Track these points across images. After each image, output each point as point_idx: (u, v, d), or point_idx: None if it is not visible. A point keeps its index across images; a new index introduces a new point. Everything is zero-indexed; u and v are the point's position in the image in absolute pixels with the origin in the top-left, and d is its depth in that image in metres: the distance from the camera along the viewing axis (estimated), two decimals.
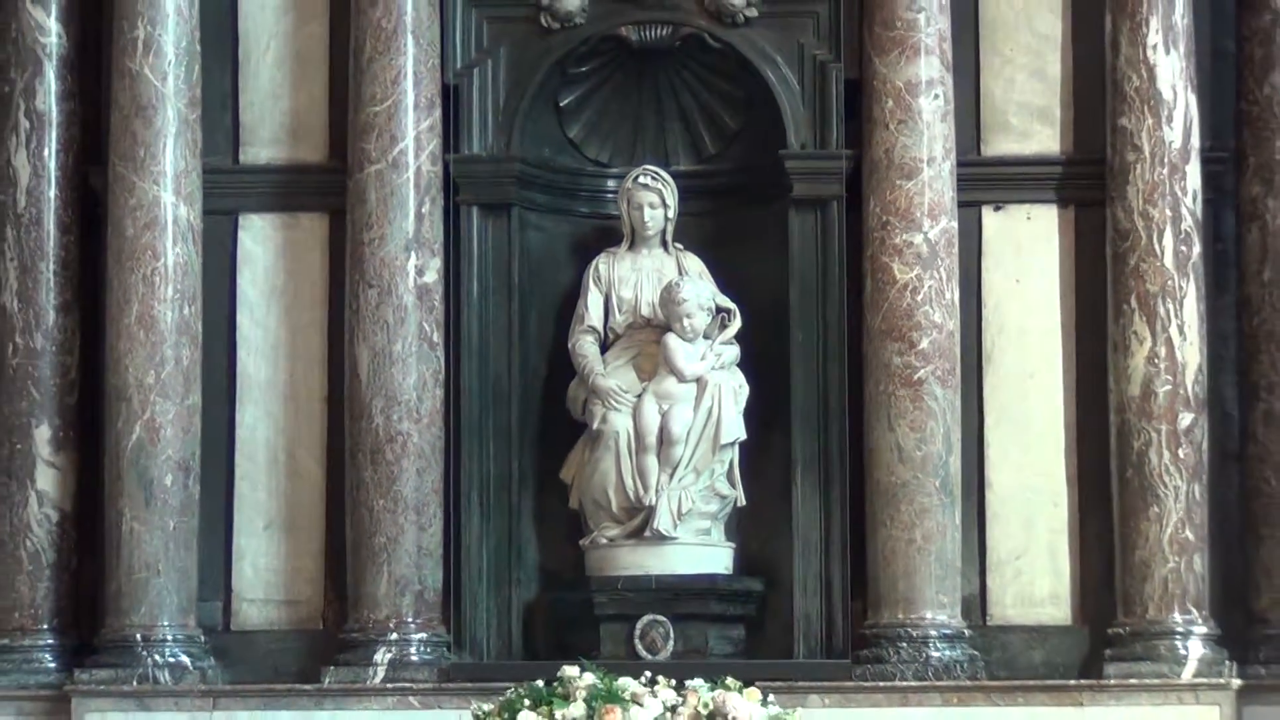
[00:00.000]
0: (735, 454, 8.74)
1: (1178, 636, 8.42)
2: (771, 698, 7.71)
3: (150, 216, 8.63)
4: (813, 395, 8.71)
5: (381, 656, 8.50)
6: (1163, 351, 8.49)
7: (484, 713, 7.72)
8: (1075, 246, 8.84)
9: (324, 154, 8.94)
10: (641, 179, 8.84)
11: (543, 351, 8.99)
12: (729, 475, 8.75)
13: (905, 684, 8.35)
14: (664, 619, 8.55)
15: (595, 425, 8.73)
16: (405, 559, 8.56)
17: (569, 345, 8.85)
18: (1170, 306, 8.51)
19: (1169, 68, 8.58)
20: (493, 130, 8.85)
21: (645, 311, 8.81)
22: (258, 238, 8.94)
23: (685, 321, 8.68)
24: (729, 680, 7.70)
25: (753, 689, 7.68)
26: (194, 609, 8.66)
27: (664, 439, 8.66)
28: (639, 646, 8.51)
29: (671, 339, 8.69)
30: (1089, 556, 8.71)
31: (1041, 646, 8.69)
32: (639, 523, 8.67)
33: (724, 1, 8.76)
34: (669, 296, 8.72)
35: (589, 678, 7.67)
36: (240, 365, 8.89)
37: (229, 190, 8.90)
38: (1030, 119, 8.90)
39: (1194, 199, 8.59)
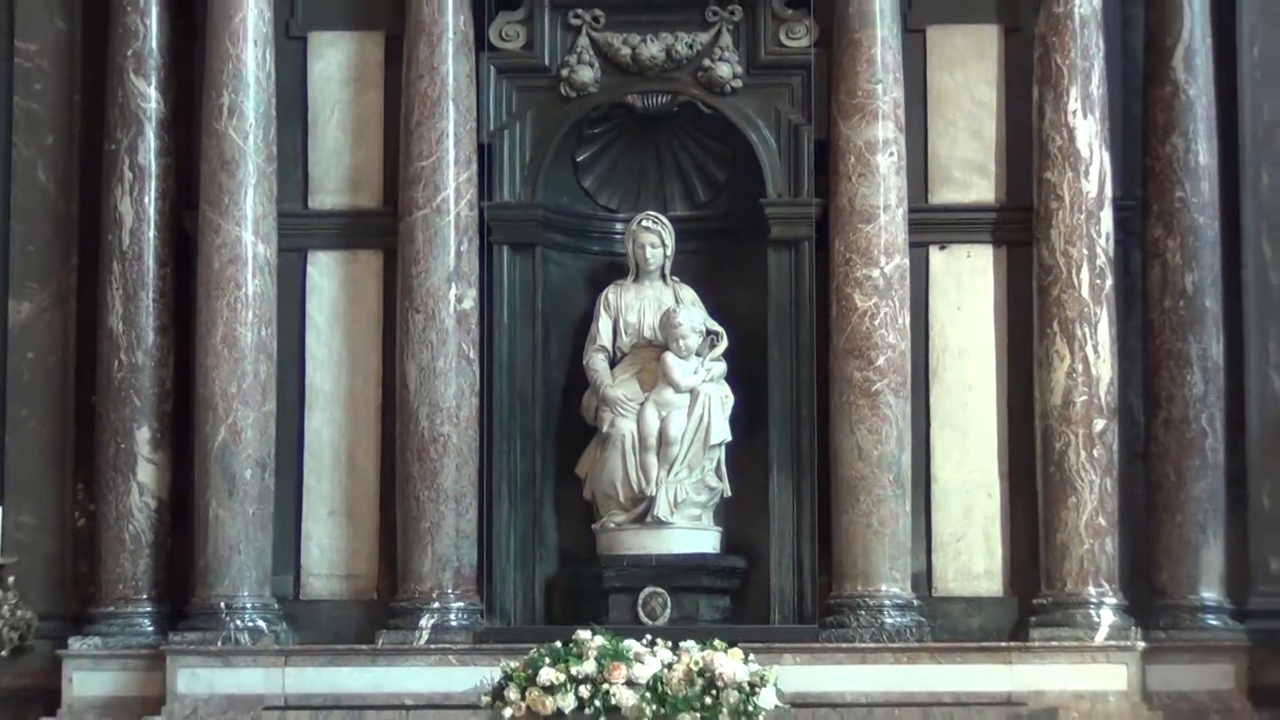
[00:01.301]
0: (722, 453, 8.73)
1: (1092, 606, 8.40)
2: (751, 657, 7.66)
3: (233, 253, 8.60)
4: (787, 404, 8.70)
5: (425, 622, 8.48)
6: (1080, 368, 8.46)
7: (512, 669, 7.68)
8: (1007, 280, 8.80)
9: (379, 201, 8.89)
10: (644, 222, 8.86)
11: (561, 367, 8.97)
12: (717, 471, 8.74)
13: (864, 645, 8.33)
14: (662, 591, 8.55)
15: (605, 428, 8.73)
16: (445, 540, 8.54)
17: (583, 361, 8.85)
18: (1086, 330, 8.47)
19: (1086, 130, 8.55)
20: (520, 181, 8.83)
21: (647, 334, 8.80)
22: (323, 271, 8.91)
23: (681, 342, 8.68)
24: (716, 642, 7.68)
25: (736, 649, 7.65)
26: (269, 582, 8.63)
27: (662, 440, 8.66)
28: (641, 614, 8.50)
29: (669, 357, 8.69)
30: (1018, 539, 8.68)
31: (978, 614, 8.66)
32: (641, 510, 8.67)
33: (714, 75, 8.75)
34: (667, 321, 8.72)
35: (599, 640, 7.66)
36: (308, 378, 8.87)
37: (299, 231, 8.87)
38: (970, 173, 8.86)
39: (1107, 240, 8.56)
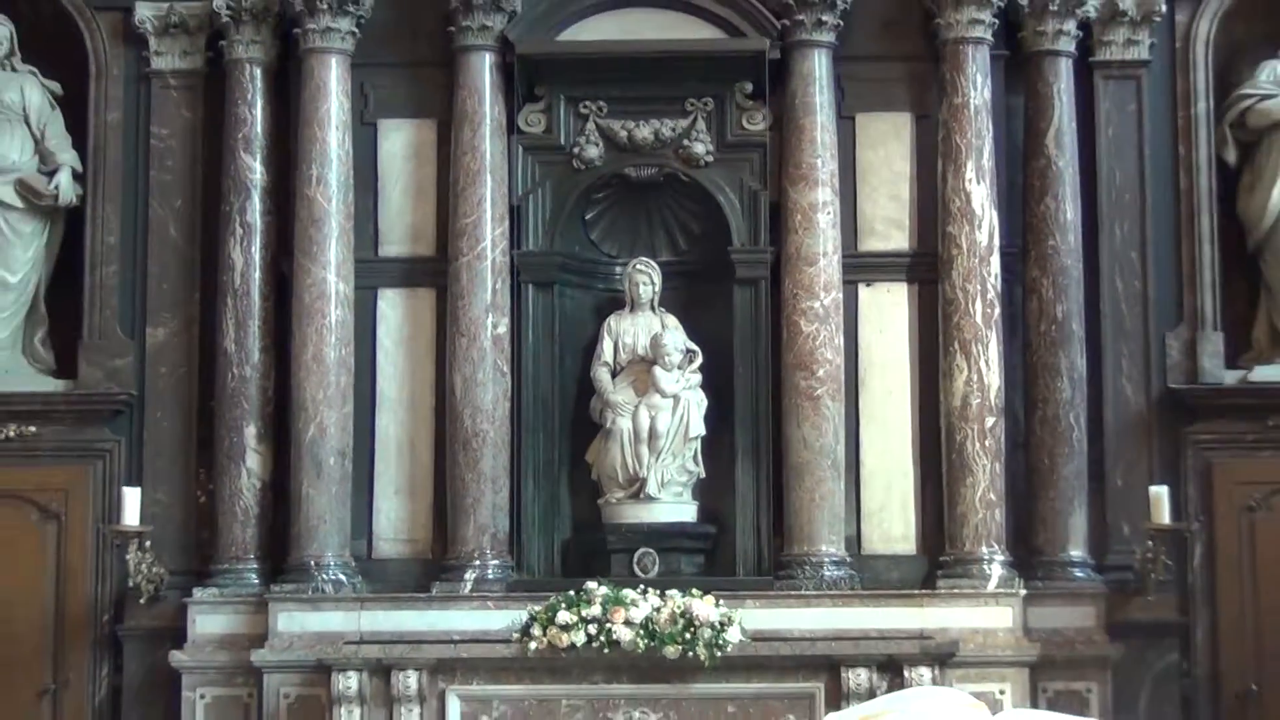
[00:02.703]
0: (698, 444, 8.77)
1: (985, 562, 8.44)
2: (721, 602, 8.00)
3: (320, 291, 8.66)
4: (748, 406, 8.75)
5: (469, 575, 8.51)
6: (975, 378, 8.51)
7: (536, 612, 8.02)
8: (918, 310, 8.80)
9: (433, 250, 8.89)
10: (638, 265, 8.89)
11: (573, 378, 8.98)
12: (694, 458, 8.77)
13: (808, 593, 8.38)
14: (652, 551, 8.57)
15: (607, 425, 8.78)
16: (484, 512, 8.58)
17: (591, 374, 8.88)
18: (979, 349, 8.53)
19: (979, 194, 8.60)
20: (542, 234, 8.86)
21: (640, 352, 8.81)
22: (390, 304, 8.91)
23: (666, 359, 8.73)
24: (694, 590, 8.02)
25: (709, 596, 8.00)
26: (348, 545, 8.66)
27: (652, 434, 8.68)
28: (636, 569, 8.51)
29: (657, 369, 8.73)
30: (927, 510, 8.70)
31: (897, 569, 8.68)
32: (636, 489, 8.68)
33: (691, 152, 8.78)
34: (656, 342, 8.76)
35: (603, 589, 8.03)
36: (378, 387, 8.86)
37: (371, 273, 8.89)
38: (889, 227, 8.87)
39: (995, 279, 8.61)
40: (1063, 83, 8.74)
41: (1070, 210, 8.70)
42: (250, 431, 8.73)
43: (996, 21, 8.72)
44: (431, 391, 8.83)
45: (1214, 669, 8.71)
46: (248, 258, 8.79)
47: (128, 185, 9.07)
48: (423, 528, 8.80)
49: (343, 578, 8.57)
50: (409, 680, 8.00)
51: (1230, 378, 8.82)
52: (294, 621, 8.41)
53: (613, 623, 7.86)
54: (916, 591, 8.46)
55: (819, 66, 8.69)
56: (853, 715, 3.94)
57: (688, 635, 7.80)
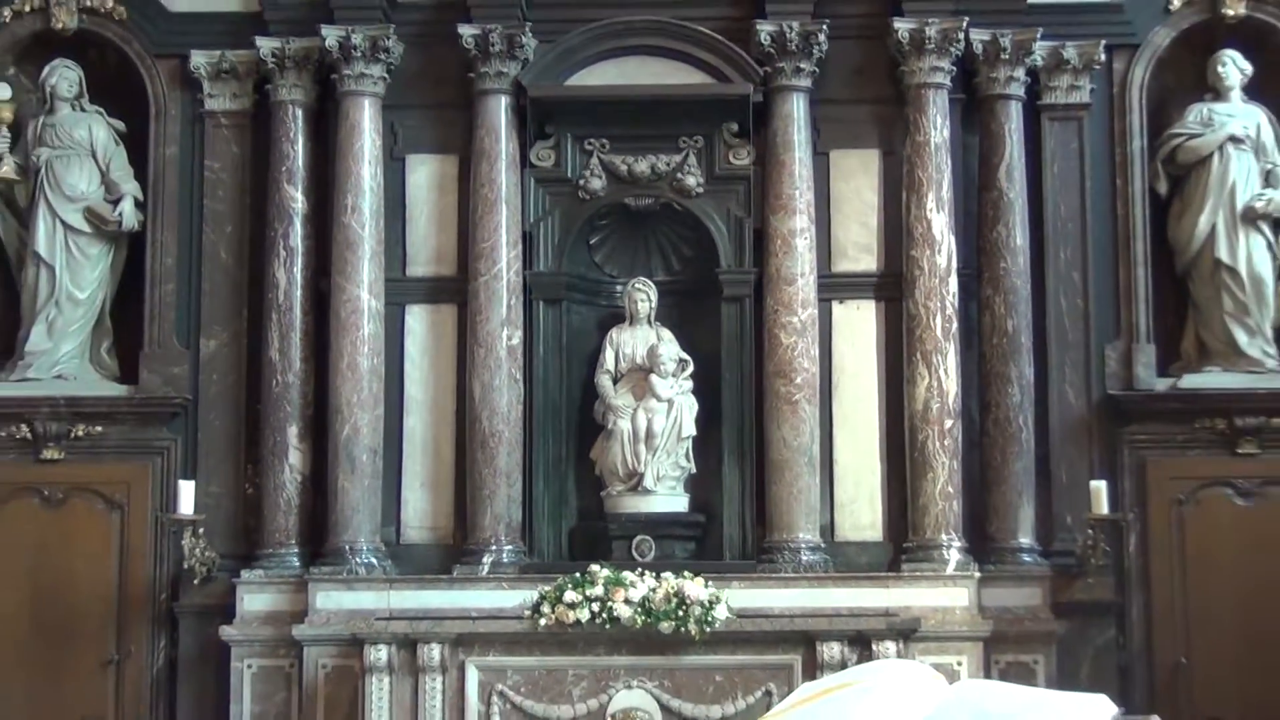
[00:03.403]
0: (690, 443, 8.78)
1: (944, 548, 8.45)
2: (710, 583, 7.99)
3: (354, 307, 8.69)
4: (734, 409, 8.76)
5: (486, 559, 8.53)
6: (935, 384, 8.53)
7: (545, 592, 8.01)
8: (885, 324, 8.79)
9: (454, 270, 8.89)
10: (637, 284, 8.91)
11: (579, 384, 8.98)
12: (686, 455, 8.78)
13: (787, 575, 8.40)
14: (648, 538, 8.57)
15: (609, 426, 8.79)
16: (500, 503, 8.60)
17: (595, 381, 8.90)
18: (939, 359, 8.56)
19: (939, 222, 8.63)
20: (552, 257, 8.88)
21: (639, 361, 8.82)
22: (417, 319, 8.92)
23: (661, 367, 8.75)
24: (686, 573, 8.02)
25: (699, 578, 7.99)
26: (379, 532, 8.67)
27: (649, 434, 8.70)
28: (634, 554, 8.50)
29: (654, 377, 8.75)
30: (893, 502, 8.70)
31: (865, 554, 8.67)
32: (634, 482, 8.70)
33: (684, 184, 8.80)
34: (652, 352, 8.79)
35: (605, 572, 8.02)
36: (406, 391, 8.86)
37: (400, 291, 8.89)
38: (859, 251, 8.87)
39: (954, 298, 8.63)
40: (1013, 123, 8.76)
41: (1020, 236, 8.71)
42: (292, 431, 8.75)
43: (954, 69, 8.75)
44: (453, 396, 8.84)
45: (1147, 644, 8.71)
46: (290, 277, 8.81)
47: (184, 213, 9.08)
48: (445, 517, 8.79)
49: (374, 561, 8.57)
50: (433, 652, 8.01)
51: (1161, 385, 8.82)
52: (330, 600, 8.41)
53: (613, 601, 7.87)
54: (883, 574, 8.45)
55: (797, 109, 8.73)
56: (826, 684, 3.94)
57: (680, 613, 7.80)
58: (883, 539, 8.67)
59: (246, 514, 8.90)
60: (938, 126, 8.65)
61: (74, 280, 9.05)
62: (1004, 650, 8.30)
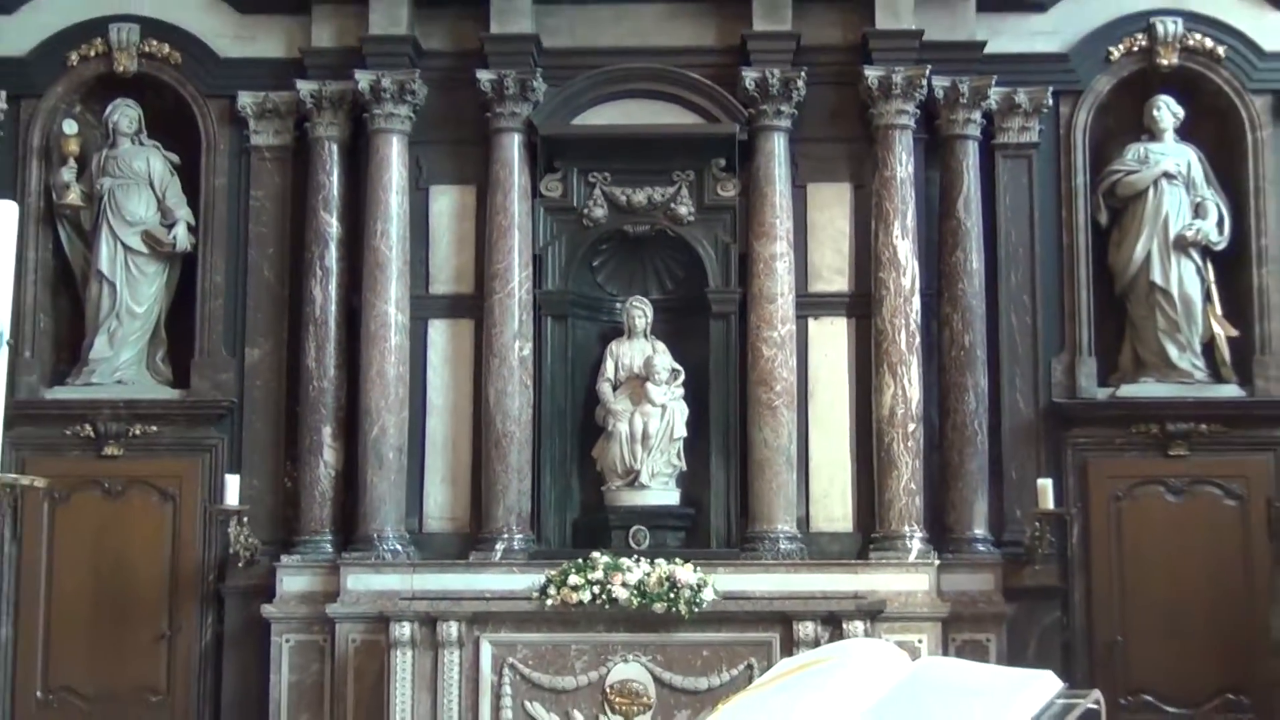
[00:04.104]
0: (681, 444, 8.79)
1: (907, 538, 8.47)
2: (698, 569, 8.01)
3: (383, 321, 8.71)
4: (721, 414, 8.76)
5: (499, 546, 8.54)
6: (900, 392, 8.55)
7: (551, 576, 8.03)
8: (856, 339, 8.80)
9: (472, 289, 8.89)
10: (634, 302, 8.93)
11: (583, 391, 8.97)
12: (678, 454, 8.78)
13: (767, 562, 8.40)
14: (644, 528, 8.58)
15: (609, 428, 8.79)
16: (512, 497, 8.62)
17: (596, 388, 8.91)
18: (903, 369, 8.58)
19: (904, 248, 8.65)
20: (559, 277, 8.89)
21: (636, 370, 8.83)
22: (439, 332, 8.91)
23: (656, 376, 8.75)
24: (677, 559, 8.04)
25: (689, 564, 8.02)
26: (403, 521, 8.68)
27: (645, 436, 8.71)
28: (631, 543, 8.50)
29: (649, 385, 8.75)
30: (862, 497, 8.70)
31: (837, 543, 8.68)
32: (631, 479, 8.71)
33: (677, 213, 8.82)
34: (648, 363, 8.79)
35: (605, 558, 8.03)
36: (428, 397, 8.86)
37: (424, 307, 8.90)
38: (833, 273, 8.87)
39: (917, 316, 8.65)
40: (970, 160, 8.76)
41: (976, 261, 8.73)
42: (326, 431, 8.74)
43: (919, 112, 8.78)
44: (470, 401, 8.84)
45: (1088, 624, 8.71)
46: (326, 294, 8.81)
47: (231, 236, 9.07)
48: (462, 508, 8.78)
49: (399, 547, 8.58)
50: (451, 629, 8.01)
51: (1102, 394, 8.84)
52: (360, 582, 8.41)
53: (612, 584, 7.88)
54: (853, 561, 8.46)
55: (778, 146, 8.74)
56: (803, 660, 3.97)
57: (671, 595, 7.81)
58: (852, 530, 8.67)
59: (285, 505, 8.90)
60: (903, 163, 8.67)
61: (133, 296, 9.09)
62: (960, 630, 8.29)
